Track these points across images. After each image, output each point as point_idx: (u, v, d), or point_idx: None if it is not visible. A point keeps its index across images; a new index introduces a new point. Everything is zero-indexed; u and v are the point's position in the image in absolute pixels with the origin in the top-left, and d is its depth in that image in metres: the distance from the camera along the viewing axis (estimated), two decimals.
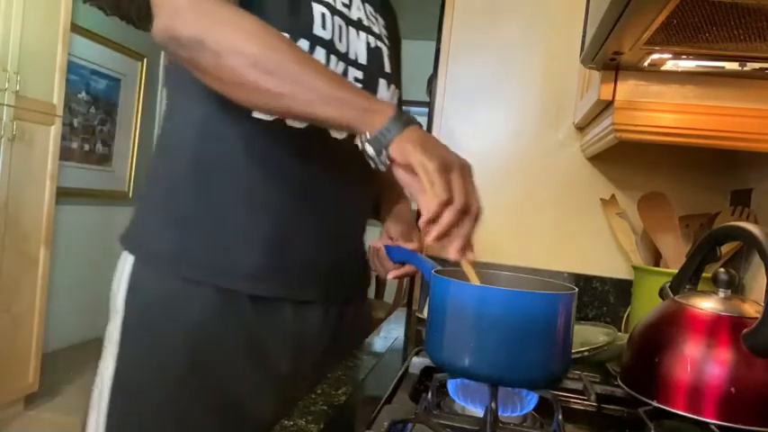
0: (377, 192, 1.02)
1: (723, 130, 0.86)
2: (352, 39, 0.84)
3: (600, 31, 0.73)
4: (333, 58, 0.80)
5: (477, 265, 0.74)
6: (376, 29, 0.92)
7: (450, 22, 1.35)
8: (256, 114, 0.77)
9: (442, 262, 0.74)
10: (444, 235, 0.66)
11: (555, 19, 1.31)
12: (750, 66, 0.78)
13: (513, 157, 1.33)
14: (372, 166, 0.68)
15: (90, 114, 3.69)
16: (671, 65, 0.82)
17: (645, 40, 0.72)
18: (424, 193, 0.65)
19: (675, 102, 0.87)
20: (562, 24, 1.30)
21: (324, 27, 0.79)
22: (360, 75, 0.84)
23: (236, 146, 0.79)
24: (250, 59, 0.65)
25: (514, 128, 1.33)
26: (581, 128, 1.27)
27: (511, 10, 1.33)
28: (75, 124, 3.58)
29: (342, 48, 0.82)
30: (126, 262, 0.83)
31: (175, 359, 0.78)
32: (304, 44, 0.76)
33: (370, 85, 0.84)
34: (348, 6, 0.86)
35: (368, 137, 0.67)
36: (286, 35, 0.73)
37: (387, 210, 1.03)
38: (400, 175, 0.67)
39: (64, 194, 3.20)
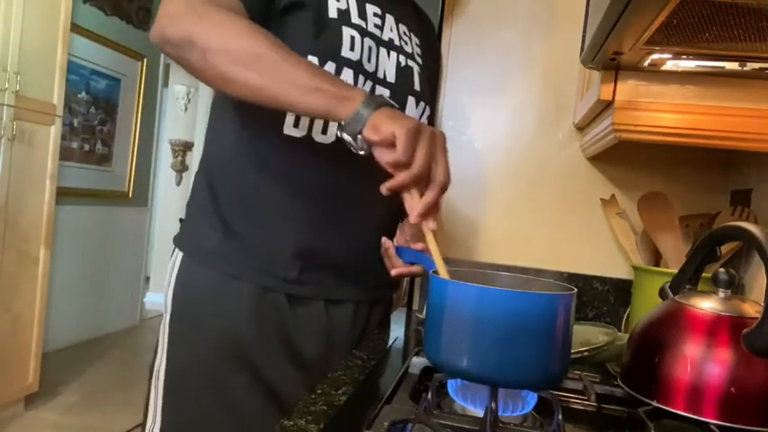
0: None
1: (723, 130, 0.86)
2: (381, 59, 0.90)
3: (600, 31, 0.73)
4: (360, 77, 0.86)
5: (477, 266, 0.74)
6: (408, 48, 0.96)
7: (451, 22, 1.35)
8: (287, 131, 0.84)
9: (452, 263, 0.73)
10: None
11: (555, 19, 1.30)
12: (750, 66, 0.78)
13: (513, 157, 1.33)
14: (354, 152, 0.72)
15: (90, 114, 3.69)
16: (671, 65, 0.82)
17: (645, 40, 0.72)
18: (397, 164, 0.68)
19: (675, 102, 0.87)
20: (562, 24, 1.30)
21: (352, 49, 0.85)
22: (387, 92, 0.89)
23: (267, 159, 0.86)
24: (232, 56, 0.71)
25: (514, 128, 1.33)
26: (581, 128, 1.27)
27: (511, 10, 1.33)
28: (76, 124, 3.58)
29: (370, 68, 0.88)
30: (176, 259, 0.91)
31: (216, 346, 0.86)
32: (331, 66, 0.82)
33: (398, 103, 0.85)
34: (380, 28, 0.91)
35: (343, 123, 0.70)
36: (314, 58, 0.80)
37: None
38: (378, 154, 0.70)
39: (64, 194, 3.20)
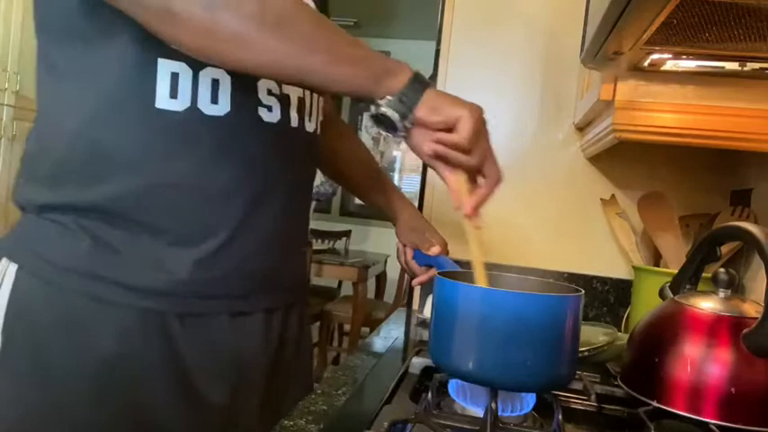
0: (336, 158, 0.98)
1: (723, 130, 0.86)
2: None
3: (600, 31, 0.73)
4: None
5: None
6: None
7: (451, 22, 1.35)
8: (161, 105, 0.63)
9: (466, 265, 0.73)
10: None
11: (555, 19, 1.30)
12: (750, 66, 0.78)
13: (514, 157, 1.33)
14: (383, 131, 0.62)
15: None
16: (671, 65, 0.82)
17: (645, 40, 0.72)
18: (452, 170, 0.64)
19: (675, 102, 0.87)
20: (562, 24, 1.30)
21: None
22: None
23: (138, 143, 0.64)
24: (250, 11, 0.55)
25: (514, 128, 1.33)
26: (581, 128, 1.27)
27: (511, 10, 1.33)
28: None
29: None
30: (5, 272, 0.65)
31: (78, 399, 0.63)
32: None
33: None
34: None
35: (389, 100, 0.60)
36: None
37: (394, 216, 1.03)
38: (426, 137, 0.62)
39: None
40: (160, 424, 0.66)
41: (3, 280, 0.65)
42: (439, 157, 0.63)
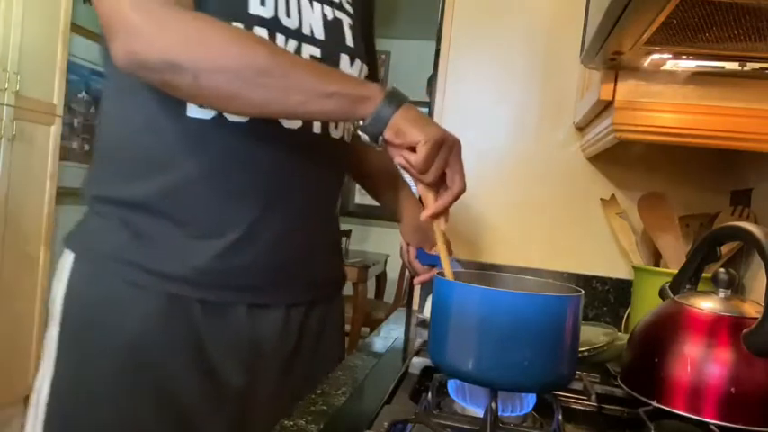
0: (362, 163, 1.03)
1: (723, 130, 0.86)
2: (305, 12, 0.77)
3: (600, 31, 0.73)
4: (280, 36, 0.74)
5: (477, 265, 0.74)
6: None
7: (451, 22, 1.35)
8: (192, 114, 0.72)
9: (469, 265, 0.74)
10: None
11: (555, 19, 1.30)
12: (750, 66, 0.78)
13: (513, 157, 1.33)
14: (374, 147, 0.72)
15: (90, 114, 3.69)
16: (671, 65, 0.82)
17: (645, 40, 0.72)
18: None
19: (675, 102, 0.87)
20: (562, 24, 1.30)
21: (263, 3, 0.72)
22: (317, 52, 0.78)
23: (174, 147, 0.73)
24: (231, 75, 0.63)
25: (514, 128, 1.33)
26: (581, 128, 1.27)
27: (511, 10, 1.33)
28: (75, 124, 3.57)
29: (291, 24, 0.75)
30: (66, 261, 0.77)
31: (113, 370, 0.72)
32: (238, 27, 0.70)
33: (330, 63, 0.78)
34: None
35: (361, 124, 0.68)
36: (219, 18, 0.67)
37: (400, 215, 1.04)
38: (394, 154, 0.70)
39: (64, 194, 3.19)
40: (179, 398, 0.74)
41: (64, 265, 0.77)
42: (404, 169, 0.72)
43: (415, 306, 1.37)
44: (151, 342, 0.73)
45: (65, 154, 3.27)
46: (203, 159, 0.73)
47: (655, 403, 0.65)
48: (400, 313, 1.32)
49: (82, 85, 3.58)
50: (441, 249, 0.76)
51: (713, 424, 0.62)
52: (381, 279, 4.11)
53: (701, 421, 0.62)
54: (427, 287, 1.22)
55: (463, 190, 0.73)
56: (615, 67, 0.87)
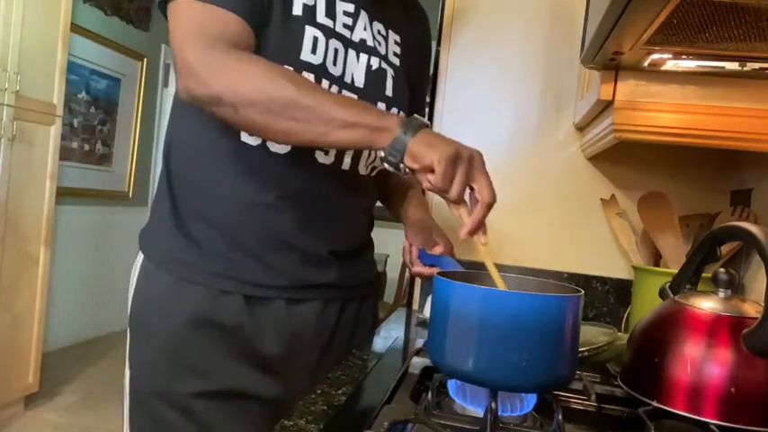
0: (384, 187, 1.07)
1: (723, 130, 0.86)
2: (350, 62, 0.86)
3: (600, 31, 0.73)
4: (325, 81, 0.82)
5: (477, 266, 0.74)
6: (382, 49, 0.92)
7: (451, 22, 1.35)
8: (244, 139, 0.82)
9: (469, 265, 0.73)
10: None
11: (555, 19, 1.31)
12: (750, 66, 0.78)
13: (514, 157, 1.33)
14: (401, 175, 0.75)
15: (90, 114, 3.69)
16: (671, 65, 0.82)
17: (645, 40, 0.72)
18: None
19: (675, 102, 0.87)
20: (562, 24, 1.30)
21: (314, 51, 0.81)
22: (355, 98, 0.85)
23: (224, 166, 0.84)
24: (262, 107, 0.72)
25: (514, 128, 1.33)
26: (581, 128, 1.27)
27: (511, 10, 1.33)
28: (76, 124, 3.58)
29: (336, 71, 0.84)
30: (138, 259, 0.90)
31: (169, 354, 0.84)
32: (283, 68, 0.77)
33: None
34: (350, 28, 0.87)
35: (383, 155, 0.72)
36: (274, 60, 0.76)
37: (405, 216, 1.06)
38: (420, 178, 0.72)
39: (64, 194, 3.20)
40: (227, 382, 0.84)
41: (137, 265, 0.90)
42: (431, 191, 0.73)
43: (415, 306, 1.37)
44: (196, 330, 0.84)
45: (65, 154, 3.27)
46: (242, 179, 0.84)
47: (655, 403, 0.65)
48: (400, 313, 1.32)
49: (82, 85, 3.58)
50: (488, 264, 0.73)
51: (713, 424, 0.62)
52: (381, 279, 4.11)
53: (701, 421, 0.62)
54: (427, 287, 1.22)
55: (493, 200, 0.72)
56: (615, 67, 0.87)
